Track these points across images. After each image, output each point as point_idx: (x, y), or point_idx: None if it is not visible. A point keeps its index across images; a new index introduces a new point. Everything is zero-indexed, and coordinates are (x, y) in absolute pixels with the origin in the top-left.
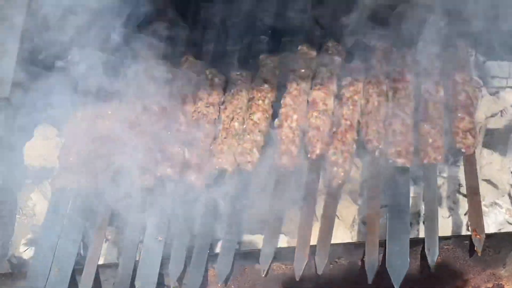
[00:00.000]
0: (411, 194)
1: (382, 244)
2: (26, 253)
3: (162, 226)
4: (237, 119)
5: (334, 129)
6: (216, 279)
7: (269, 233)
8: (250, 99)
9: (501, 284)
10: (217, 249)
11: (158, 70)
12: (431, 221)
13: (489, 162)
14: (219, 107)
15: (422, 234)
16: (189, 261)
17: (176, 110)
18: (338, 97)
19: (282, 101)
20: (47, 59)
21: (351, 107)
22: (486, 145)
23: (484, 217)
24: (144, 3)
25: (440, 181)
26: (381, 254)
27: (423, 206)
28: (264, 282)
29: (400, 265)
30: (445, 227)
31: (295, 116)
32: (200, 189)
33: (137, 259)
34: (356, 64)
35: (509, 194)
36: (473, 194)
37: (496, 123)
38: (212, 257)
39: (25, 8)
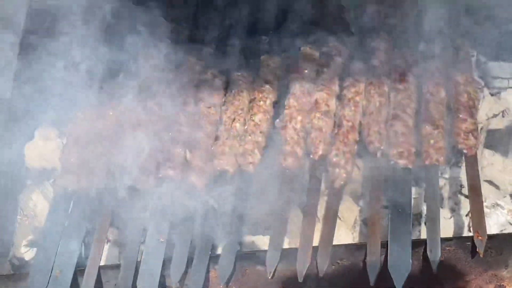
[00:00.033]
0: (413, 195)
1: (384, 245)
2: (27, 254)
3: (164, 227)
4: (239, 120)
5: (336, 130)
6: (217, 280)
7: (275, 235)
8: (251, 100)
9: (503, 285)
10: (219, 251)
11: (159, 71)
12: (433, 222)
13: (491, 163)
14: (220, 108)
15: (423, 235)
16: (190, 262)
17: (177, 111)
18: (340, 98)
19: (285, 102)
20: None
21: (352, 108)
22: (487, 145)
23: (485, 218)
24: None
25: (441, 182)
26: (383, 255)
27: (424, 207)
28: (265, 283)
29: (402, 267)
30: (446, 228)
31: (299, 117)
32: (202, 190)
33: (139, 260)
34: (358, 65)
35: (510, 195)
36: (475, 195)
37: (498, 124)
38: (214, 258)
39: (26, 7)
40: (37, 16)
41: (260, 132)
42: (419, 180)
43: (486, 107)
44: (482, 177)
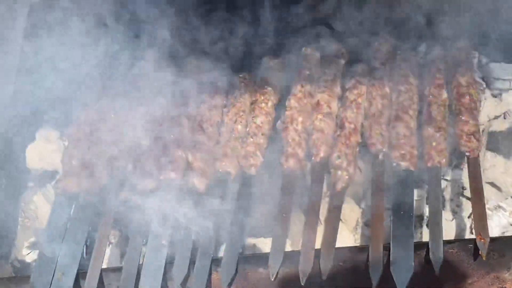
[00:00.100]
0: (415, 197)
1: (386, 248)
2: (29, 256)
3: (166, 230)
4: (240, 122)
5: (338, 132)
6: (220, 283)
7: (277, 237)
8: (253, 102)
9: (505, 287)
10: (221, 253)
11: (161, 73)
12: (436, 224)
13: (493, 165)
14: (222, 110)
15: (426, 237)
16: (193, 264)
17: (179, 113)
18: (342, 99)
19: (287, 103)
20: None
21: (355, 110)
22: (489, 147)
23: (488, 220)
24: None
25: (443, 184)
26: (385, 258)
27: (427, 209)
28: (267, 285)
29: (404, 269)
30: (448, 230)
31: (300, 119)
32: (203, 193)
33: (141, 262)
34: (360, 67)
35: None
36: (477, 197)
37: (499, 126)
38: (216, 260)
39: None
40: (39, 16)
41: (262, 134)
42: (421, 182)
43: (488, 109)
44: (484, 179)
